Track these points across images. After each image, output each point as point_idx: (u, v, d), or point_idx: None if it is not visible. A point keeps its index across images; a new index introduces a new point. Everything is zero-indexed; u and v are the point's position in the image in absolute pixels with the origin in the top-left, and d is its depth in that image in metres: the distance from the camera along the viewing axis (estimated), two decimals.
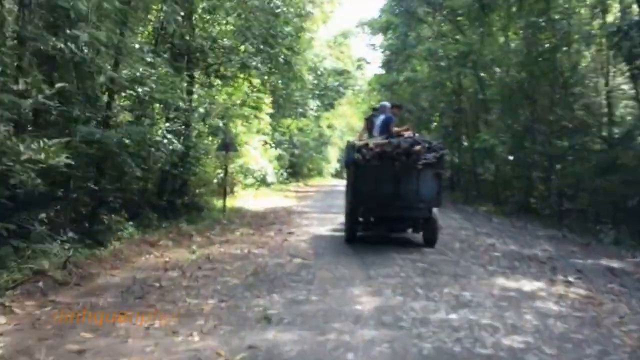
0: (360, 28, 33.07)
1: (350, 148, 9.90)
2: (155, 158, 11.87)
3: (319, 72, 29.53)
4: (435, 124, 34.13)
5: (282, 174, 29.30)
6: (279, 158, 27.95)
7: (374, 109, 11.22)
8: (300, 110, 29.21)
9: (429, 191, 8.95)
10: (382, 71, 37.12)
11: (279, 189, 27.49)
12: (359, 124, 44.86)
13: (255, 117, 19.54)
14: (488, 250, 9.91)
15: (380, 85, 37.52)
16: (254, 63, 15.52)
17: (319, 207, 19.05)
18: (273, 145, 25.87)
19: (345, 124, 64.72)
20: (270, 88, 19.99)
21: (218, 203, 16.76)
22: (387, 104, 11.00)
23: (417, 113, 34.99)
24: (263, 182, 24.58)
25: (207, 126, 15.74)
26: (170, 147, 11.39)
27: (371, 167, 8.93)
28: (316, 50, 30.36)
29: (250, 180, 22.35)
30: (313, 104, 29.73)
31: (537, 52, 17.01)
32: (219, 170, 17.70)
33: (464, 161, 26.90)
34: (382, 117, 10.09)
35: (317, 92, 28.99)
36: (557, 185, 16.58)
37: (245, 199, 20.07)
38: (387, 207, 9.23)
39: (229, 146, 14.63)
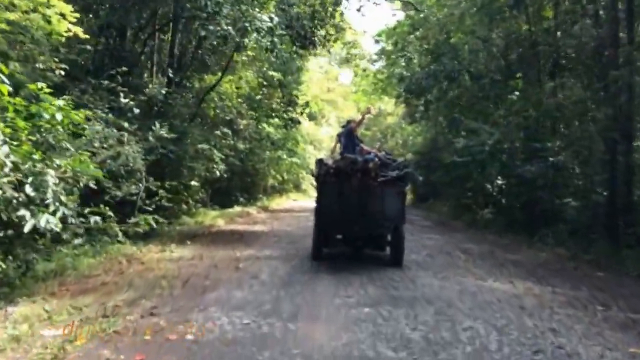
0: None
1: (315, 164, 9.70)
2: None
3: None
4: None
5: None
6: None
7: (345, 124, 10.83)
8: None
9: (392, 209, 8.62)
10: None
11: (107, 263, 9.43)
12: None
13: None
14: None
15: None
16: None
17: None
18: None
19: (335, 118, 47.03)
20: None
21: None
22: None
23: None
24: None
25: None
26: None
27: (331, 184, 8.66)
28: None
29: None
30: (265, 23, 11.68)
31: None
32: None
33: None
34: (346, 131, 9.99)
35: None
36: None
37: None
38: (350, 224, 8.67)
39: None
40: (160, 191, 9.29)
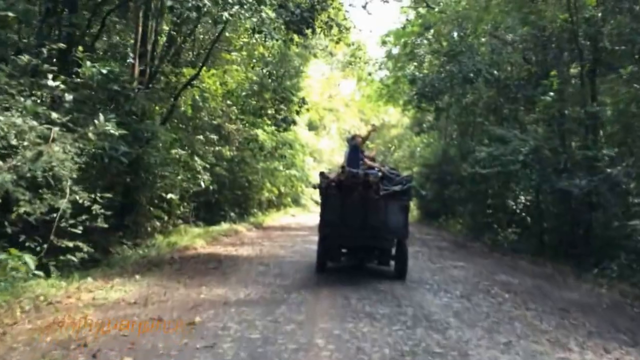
0: None
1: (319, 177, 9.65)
2: None
3: None
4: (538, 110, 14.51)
5: None
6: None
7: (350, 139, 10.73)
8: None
9: (395, 222, 8.73)
10: None
11: None
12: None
13: None
14: None
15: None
16: None
17: None
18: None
19: (336, 129, 44.54)
20: None
21: None
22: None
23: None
24: None
25: None
26: None
27: (333, 197, 8.74)
28: None
29: None
30: None
31: None
32: None
33: None
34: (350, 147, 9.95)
35: None
36: None
37: None
38: (354, 237, 8.86)
39: None
40: (95, 206, 6.75)
